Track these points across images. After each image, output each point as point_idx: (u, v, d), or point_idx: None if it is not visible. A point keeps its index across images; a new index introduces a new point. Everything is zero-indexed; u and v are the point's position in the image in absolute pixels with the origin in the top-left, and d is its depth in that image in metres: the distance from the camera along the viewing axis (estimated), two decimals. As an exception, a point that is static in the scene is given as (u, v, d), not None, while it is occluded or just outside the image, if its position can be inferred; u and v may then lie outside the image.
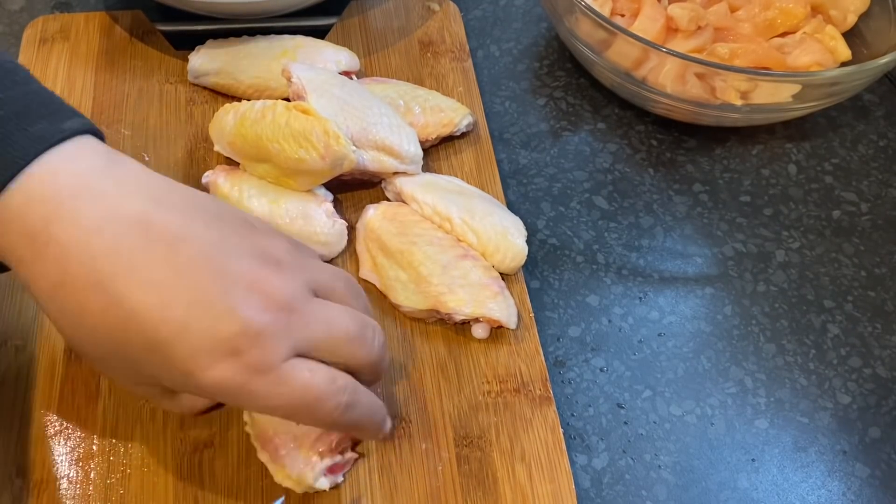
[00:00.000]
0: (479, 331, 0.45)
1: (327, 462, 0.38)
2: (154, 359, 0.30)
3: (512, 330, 0.45)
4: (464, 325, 0.46)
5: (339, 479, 0.40)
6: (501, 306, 0.44)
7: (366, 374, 0.35)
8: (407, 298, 0.45)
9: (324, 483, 0.38)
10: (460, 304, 0.44)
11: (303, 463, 0.38)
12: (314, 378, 0.32)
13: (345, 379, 0.33)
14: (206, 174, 0.49)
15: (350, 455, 0.40)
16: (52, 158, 0.31)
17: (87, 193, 0.31)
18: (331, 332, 0.33)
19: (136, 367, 0.32)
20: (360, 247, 0.48)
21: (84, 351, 0.32)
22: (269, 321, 0.31)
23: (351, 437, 0.40)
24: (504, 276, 0.47)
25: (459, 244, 0.47)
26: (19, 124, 0.31)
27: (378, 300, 0.46)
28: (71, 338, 0.32)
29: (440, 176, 0.51)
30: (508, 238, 0.47)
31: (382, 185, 0.51)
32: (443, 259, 0.45)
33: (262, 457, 0.39)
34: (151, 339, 0.30)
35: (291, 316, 0.31)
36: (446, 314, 0.44)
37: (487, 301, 0.44)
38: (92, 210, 0.31)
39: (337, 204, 0.49)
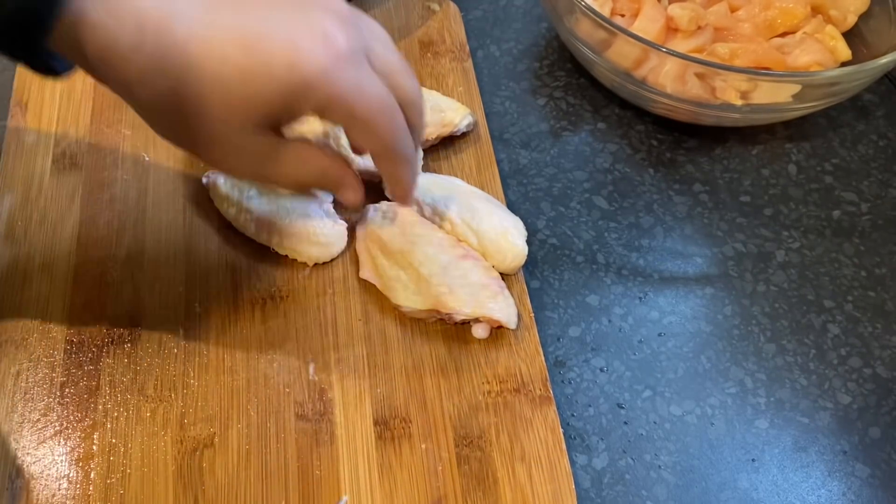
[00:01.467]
0: (479, 331, 0.45)
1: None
2: (265, 77, 0.34)
3: (512, 330, 0.45)
4: (464, 325, 0.46)
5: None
6: (502, 306, 0.44)
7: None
8: (407, 299, 0.45)
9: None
10: (460, 304, 0.44)
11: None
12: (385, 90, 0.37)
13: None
14: (206, 174, 0.49)
15: None
16: None
17: None
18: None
19: (252, 103, 0.34)
20: (360, 247, 0.48)
21: (209, 113, 0.34)
22: (347, 26, 0.36)
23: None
24: (504, 276, 0.47)
25: (460, 244, 0.47)
26: None
27: (378, 300, 0.46)
28: (192, 101, 0.34)
29: (440, 176, 0.51)
30: (509, 238, 0.47)
31: (383, 185, 0.50)
32: (443, 259, 0.45)
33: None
34: (266, 53, 0.34)
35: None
36: (446, 314, 0.44)
37: (487, 301, 0.44)
38: None
39: (337, 204, 0.49)
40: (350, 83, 0.35)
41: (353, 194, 0.41)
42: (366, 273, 0.47)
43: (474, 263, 0.46)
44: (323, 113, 0.36)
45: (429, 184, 0.49)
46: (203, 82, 0.33)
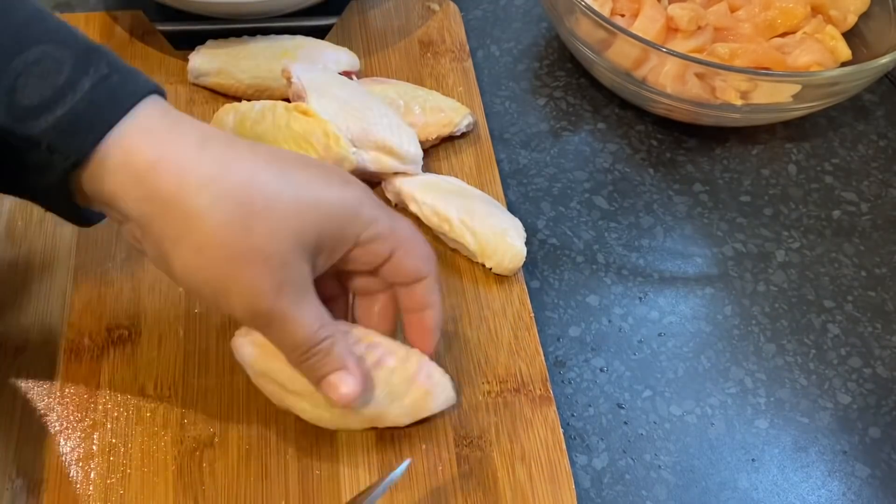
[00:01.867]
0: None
1: None
2: (325, 189, 0.35)
3: (512, 330, 0.45)
4: (463, 323, 0.46)
5: None
6: (439, 398, 0.41)
7: None
8: (344, 423, 0.40)
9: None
10: (399, 419, 0.40)
11: None
12: None
13: None
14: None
15: None
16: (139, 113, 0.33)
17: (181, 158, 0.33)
18: None
19: (312, 214, 0.35)
20: (259, 382, 0.41)
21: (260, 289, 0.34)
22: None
23: None
24: (503, 276, 0.47)
25: (360, 341, 0.39)
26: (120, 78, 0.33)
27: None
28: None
29: (440, 176, 0.51)
30: (507, 240, 0.47)
31: (382, 185, 0.51)
32: None
33: None
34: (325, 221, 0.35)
35: None
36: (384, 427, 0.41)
37: (424, 405, 0.40)
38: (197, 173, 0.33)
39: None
40: (387, 214, 0.38)
41: (343, 388, 0.37)
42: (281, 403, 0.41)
43: (386, 361, 0.39)
44: (366, 243, 0.37)
45: (429, 184, 0.49)
46: (272, 189, 0.34)
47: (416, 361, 0.40)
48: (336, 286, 0.40)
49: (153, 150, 0.32)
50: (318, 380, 0.37)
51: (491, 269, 0.47)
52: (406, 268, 0.38)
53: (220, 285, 0.34)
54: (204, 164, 0.33)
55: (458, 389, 0.42)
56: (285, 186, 0.34)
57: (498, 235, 0.47)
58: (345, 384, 0.36)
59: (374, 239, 0.37)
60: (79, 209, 0.36)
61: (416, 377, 0.40)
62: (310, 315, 0.35)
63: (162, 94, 0.35)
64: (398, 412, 0.40)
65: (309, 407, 0.39)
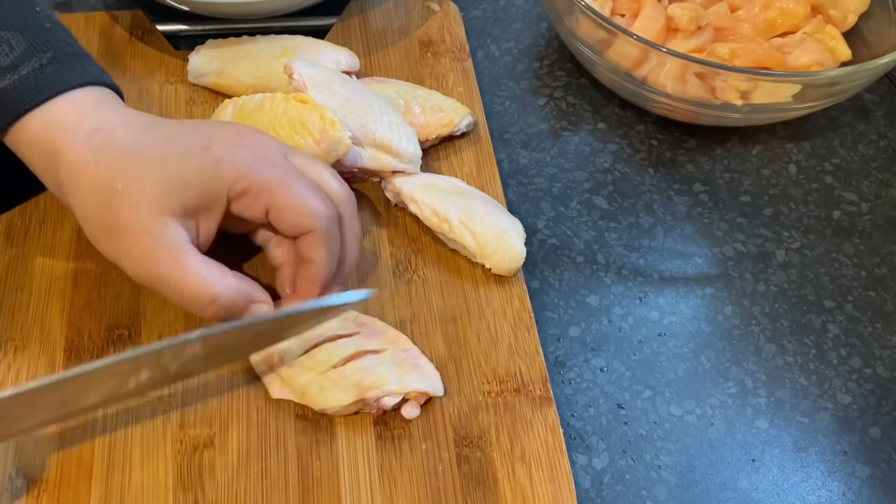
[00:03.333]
0: (410, 411, 0.42)
1: None
2: (184, 159, 0.39)
3: (512, 330, 0.45)
4: (463, 323, 0.46)
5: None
6: (425, 378, 0.42)
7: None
8: (329, 399, 0.41)
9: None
10: (385, 384, 0.41)
11: None
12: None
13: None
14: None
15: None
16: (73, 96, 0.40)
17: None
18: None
19: (171, 183, 0.39)
20: (259, 369, 0.43)
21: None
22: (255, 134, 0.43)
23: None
24: (503, 276, 0.47)
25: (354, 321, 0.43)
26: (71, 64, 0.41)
27: (378, 300, 0.46)
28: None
29: (440, 176, 0.51)
30: (507, 240, 0.47)
31: (382, 184, 0.50)
32: (348, 347, 0.43)
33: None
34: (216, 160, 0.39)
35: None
36: (374, 401, 0.41)
37: (408, 377, 0.42)
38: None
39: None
40: (262, 169, 0.40)
41: (262, 308, 0.41)
42: (276, 392, 0.42)
43: (371, 358, 0.42)
44: (237, 200, 0.40)
45: (428, 184, 0.49)
46: (129, 165, 0.38)
47: (410, 345, 0.43)
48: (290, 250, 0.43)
49: (58, 143, 0.39)
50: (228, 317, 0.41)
51: (491, 269, 0.47)
52: (285, 223, 0.41)
53: (114, 257, 0.40)
54: (85, 150, 0.39)
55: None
56: (141, 161, 0.39)
57: (498, 236, 0.47)
58: (259, 310, 0.41)
59: (242, 194, 0.40)
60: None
61: (407, 359, 0.43)
62: (191, 273, 0.38)
63: (105, 83, 0.42)
64: (385, 374, 0.42)
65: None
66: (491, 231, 0.47)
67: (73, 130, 0.39)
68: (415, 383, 0.42)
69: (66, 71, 0.40)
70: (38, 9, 0.42)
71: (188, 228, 0.39)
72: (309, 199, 0.40)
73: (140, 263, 0.39)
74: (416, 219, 0.49)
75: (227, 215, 0.41)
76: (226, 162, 0.39)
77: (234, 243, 0.45)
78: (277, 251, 0.44)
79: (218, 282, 0.39)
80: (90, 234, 0.40)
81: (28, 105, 0.39)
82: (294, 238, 0.42)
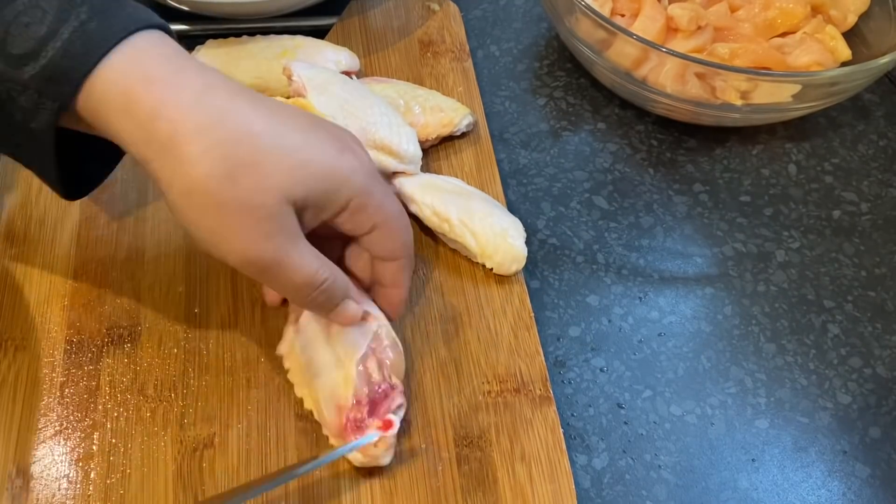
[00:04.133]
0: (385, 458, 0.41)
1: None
2: (319, 153, 0.37)
3: (512, 330, 0.45)
4: (463, 323, 0.46)
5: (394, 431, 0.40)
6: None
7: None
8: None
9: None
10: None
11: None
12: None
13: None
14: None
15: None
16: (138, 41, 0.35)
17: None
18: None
19: (300, 173, 0.36)
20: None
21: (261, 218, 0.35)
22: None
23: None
24: (504, 276, 0.47)
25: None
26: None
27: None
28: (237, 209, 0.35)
29: (440, 176, 0.51)
30: (508, 240, 0.47)
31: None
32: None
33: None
34: (306, 161, 0.36)
35: None
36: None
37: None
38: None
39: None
40: (379, 189, 0.39)
41: (354, 308, 0.41)
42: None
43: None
44: (352, 212, 0.38)
45: (428, 184, 0.49)
46: (261, 142, 0.35)
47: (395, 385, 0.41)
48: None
49: (153, 98, 0.34)
50: (327, 313, 0.40)
51: (492, 269, 0.47)
52: (383, 245, 0.40)
53: (210, 233, 0.35)
54: (201, 113, 0.34)
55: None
56: (275, 143, 0.35)
57: (498, 235, 0.47)
58: (347, 316, 0.40)
59: (360, 209, 0.38)
60: (60, 172, 0.37)
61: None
62: (304, 259, 0.37)
63: (155, 25, 0.36)
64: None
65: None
66: (492, 231, 0.47)
67: (171, 84, 0.34)
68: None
69: (112, 18, 0.35)
70: None
71: (299, 219, 0.37)
72: (409, 228, 0.41)
73: (253, 244, 0.35)
74: (416, 219, 0.49)
75: (328, 220, 0.39)
76: (357, 170, 0.38)
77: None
78: (358, 263, 0.43)
79: (328, 269, 0.38)
80: (186, 205, 0.35)
81: (83, 69, 0.34)
82: (375, 256, 0.42)
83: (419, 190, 0.49)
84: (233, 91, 0.36)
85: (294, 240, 0.37)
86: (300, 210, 0.37)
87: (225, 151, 0.34)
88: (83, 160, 0.41)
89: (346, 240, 0.42)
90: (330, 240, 0.41)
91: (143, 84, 0.34)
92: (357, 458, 0.39)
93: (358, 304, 0.41)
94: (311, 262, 0.37)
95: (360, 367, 0.40)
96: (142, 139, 0.34)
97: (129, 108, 0.34)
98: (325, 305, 0.39)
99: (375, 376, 0.40)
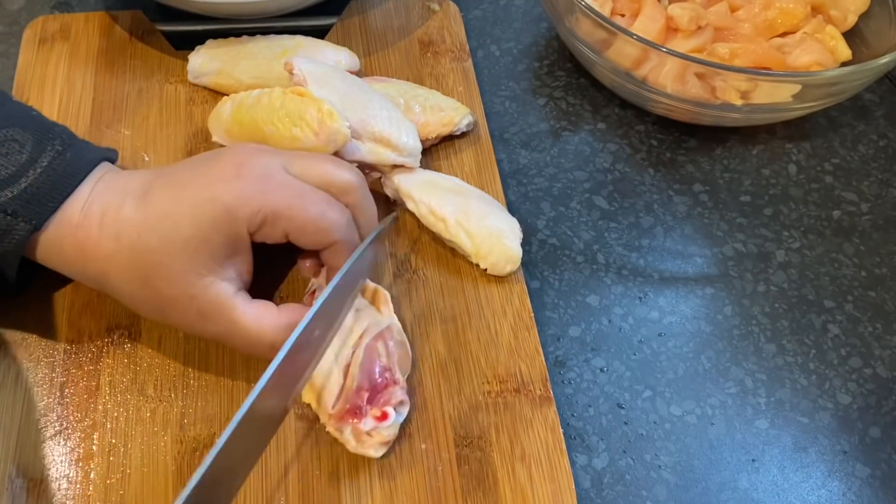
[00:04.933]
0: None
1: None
2: (188, 218, 0.38)
3: (512, 330, 0.45)
4: (463, 323, 0.46)
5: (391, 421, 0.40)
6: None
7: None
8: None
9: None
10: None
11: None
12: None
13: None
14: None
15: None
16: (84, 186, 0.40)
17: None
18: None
19: (193, 243, 0.38)
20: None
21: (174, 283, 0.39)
22: (252, 156, 0.41)
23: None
24: (503, 276, 0.47)
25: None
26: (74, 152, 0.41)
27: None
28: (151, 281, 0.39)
29: (440, 175, 0.51)
30: (503, 241, 0.47)
31: (381, 180, 0.50)
32: None
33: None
34: (214, 213, 0.39)
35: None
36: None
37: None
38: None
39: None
40: (276, 192, 0.40)
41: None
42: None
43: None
44: (256, 231, 0.40)
45: (427, 182, 0.49)
46: (151, 243, 0.38)
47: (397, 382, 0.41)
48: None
49: (75, 238, 0.39)
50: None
51: (486, 270, 0.47)
52: (304, 241, 0.41)
53: (172, 324, 0.41)
54: (103, 243, 0.39)
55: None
56: (165, 238, 0.38)
57: (494, 236, 0.47)
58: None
59: (260, 226, 0.40)
60: (12, 280, 0.41)
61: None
62: (246, 323, 0.39)
63: (111, 159, 0.42)
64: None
65: None
66: (487, 231, 0.47)
67: (81, 224, 0.39)
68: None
69: (82, 150, 0.41)
70: (13, 98, 0.43)
71: (229, 277, 0.39)
72: (323, 214, 0.40)
73: (195, 327, 0.40)
74: (415, 218, 0.49)
75: (254, 244, 0.41)
76: (235, 205, 0.39)
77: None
78: (307, 262, 0.44)
79: (271, 330, 0.39)
80: (140, 312, 0.42)
81: (65, 191, 0.39)
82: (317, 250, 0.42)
83: (417, 188, 0.49)
84: (124, 197, 0.39)
85: (229, 311, 0.39)
86: (224, 267, 0.39)
87: (130, 266, 0.39)
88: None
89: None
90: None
91: (67, 228, 0.39)
92: (350, 443, 0.40)
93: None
94: (254, 328, 0.39)
95: (365, 352, 0.40)
96: (83, 277, 0.41)
97: (72, 250, 0.39)
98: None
99: (380, 364, 0.40)
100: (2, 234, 0.38)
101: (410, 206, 0.49)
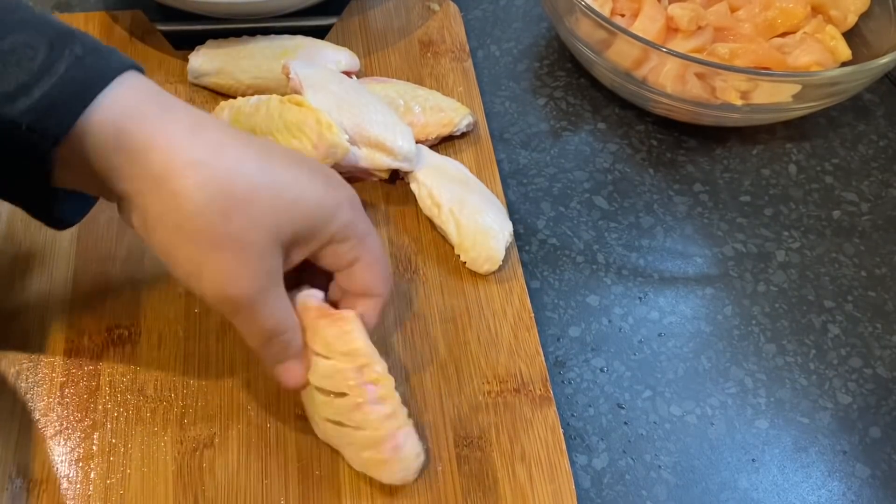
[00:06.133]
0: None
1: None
2: (309, 188, 0.36)
3: (512, 330, 0.45)
4: (463, 323, 0.46)
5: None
6: (393, 474, 0.39)
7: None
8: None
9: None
10: (351, 461, 0.40)
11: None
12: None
13: None
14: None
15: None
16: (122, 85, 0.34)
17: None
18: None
19: (292, 211, 0.36)
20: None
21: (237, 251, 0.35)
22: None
23: None
24: (504, 276, 0.47)
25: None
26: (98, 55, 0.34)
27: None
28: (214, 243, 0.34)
29: (452, 161, 0.51)
30: (488, 239, 0.47)
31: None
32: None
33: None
34: (300, 200, 0.36)
35: None
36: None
37: (374, 467, 0.39)
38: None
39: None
40: (362, 223, 0.38)
41: (296, 374, 0.39)
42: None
43: (369, 408, 0.38)
44: (335, 245, 0.38)
45: (435, 167, 0.49)
46: (257, 179, 0.35)
47: (393, 427, 0.38)
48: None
49: (145, 132, 0.33)
50: (273, 364, 0.39)
51: (466, 264, 0.47)
52: (362, 279, 0.39)
53: (194, 266, 0.35)
54: (195, 149, 0.34)
55: (426, 464, 0.40)
56: (269, 181, 0.35)
57: (480, 233, 0.47)
58: (292, 374, 0.39)
59: (344, 240, 0.38)
60: (52, 206, 0.37)
61: (382, 443, 0.38)
62: (277, 307, 0.37)
63: (140, 70, 0.36)
64: (351, 456, 0.40)
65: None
66: (475, 226, 0.47)
67: (163, 119, 0.34)
68: (377, 477, 0.39)
69: (106, 57, 0.35)
70: (28, 5, 0.36)
71: (285, 259, 0.37)
72: (388, 265, 0.40)
73: (235, 282, 0.35)
74: (416, 219, 0.49)
75: (312, 253, 0.38)
76: (343, 203, 0.37)
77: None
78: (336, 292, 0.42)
79: (293, 322, 0.38)
80: (175, 239, 0.35)
81: (84, 99, 0.33)
82: (352, 293, 0.40)
83: (424, 170, 0.49)
84: (223, 128, 0.36)
85: (274, 284, 0.36)
86: (288, 249, 0.36)
87: (219, 187, 0.34)
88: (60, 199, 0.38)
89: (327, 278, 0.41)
90: (315, 275, 0.41)
91: (136, 119, 0.34)
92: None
93: (304, 372, 0.39)
94: (282, 310, 0.37)
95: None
96: (133, 174, 0.34)
97: (120, 141, 0.33)
98: (278, 357, 0.38)
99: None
100: (21, 154, 0.33)
101: (413, 186, 0.49)
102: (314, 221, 0.36)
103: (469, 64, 0.58)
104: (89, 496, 0.39)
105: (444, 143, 0.54)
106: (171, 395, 0.43)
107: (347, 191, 0.38)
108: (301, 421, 0.42)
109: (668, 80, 0.52)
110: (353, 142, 0.47)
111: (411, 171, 0.49)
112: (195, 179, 0.33)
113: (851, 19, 0.59)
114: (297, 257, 0.38)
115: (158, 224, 0.34)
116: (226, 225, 0.34)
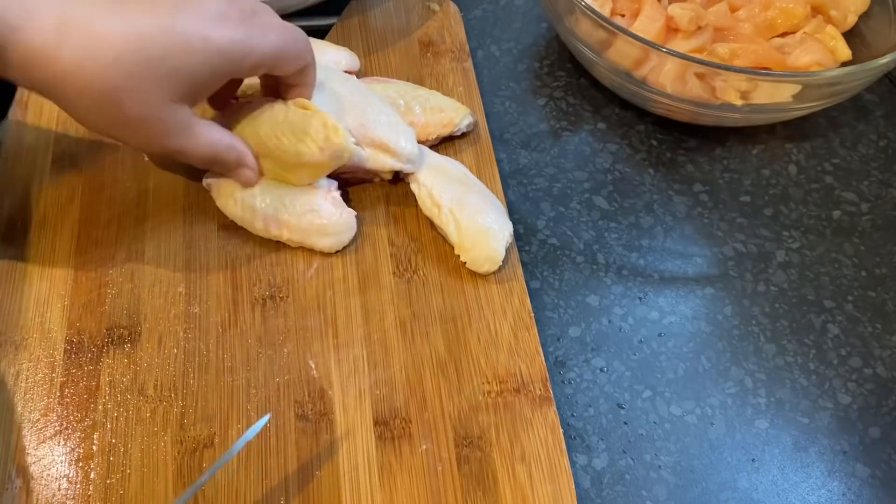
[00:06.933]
0: None
1: None
2: (186, 53, 0.39)
3: (512, 330, 0.45)
4: (463, 323, 0.46)
5: None
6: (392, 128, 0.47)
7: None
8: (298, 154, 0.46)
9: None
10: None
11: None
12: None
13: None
14: (206, 175, 0.49)
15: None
16: None
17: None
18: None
19: (176, 77, 0.39)
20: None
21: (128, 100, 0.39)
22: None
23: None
24: (504, 276, 0.47)
25: None
26: None
27: (378, 301, 0.46)
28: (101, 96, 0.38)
29: (452, 161, 0.51)
30: (488, 240, 0.47)
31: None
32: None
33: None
34: (176, 33, 0.39)
35: None
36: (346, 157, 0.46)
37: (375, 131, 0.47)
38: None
39: (343, 193, 0.49)
40: (270, 38, 0.42)
41: (251, 174, 0.47)
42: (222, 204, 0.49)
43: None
44: (255, 70, 0.42)
45: (435, 167, 0.49)
46: (131, 66, 0.38)
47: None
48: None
49: (14, 45, 0.36)
50: (234, 169, 0.46)
51: (466, 264, 0.47)
52: (281, 73, 0.44)
53: (119, 138, 0.42)
54: (64, 54, 0.36)
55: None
56: (150, 62, 0.38)
57: (481, 232, 0.47)
58: (246, 177, 0.47)
59: (254, 70, 0.42)
60: None
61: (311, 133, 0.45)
62: (203, 136, 0.43)
63: None
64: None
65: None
66: (476, 227, 0.47)
67: (24, 27, 0.36)
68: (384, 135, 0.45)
69: None
70: None
71: (196, 102, 0.42)
72: (308, 45, 0.44)
73: (154, 141, 0.41)
74: (416, 219, 0.49)
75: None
76: (232, 52, 0.40)
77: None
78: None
79: (226, 137, 0.44)
80: (89, 126, 0.41)
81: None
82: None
83: (424, 171, 0.49)
84: (92, 12, 0.38)
85: (190, 128, 0.42)
86: (195, 92, 0.41)
87: (101, 85, 0.37)
88: None
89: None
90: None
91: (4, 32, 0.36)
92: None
93: (253, 172, 0.47)
94: (207, 136, 0.43)
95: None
96: (29, 85, 0.38)
97: (20, 59, 0.36)
98: (229, 167, 0.46)
99: None
100: None
101: (413, 187, 0.49)
102: (206, 79, 0.41)
103: (469, 64, 0.58)
104: (89, 496, 0.39)
105: (444, 143, 0.54)
106: (171, 395, 0.43)
107: (229, 32, 0.40)
108: (301, 421, 0.42)
109: (668, 80, 0.52)
110: (356, 143, 0.47)
111: (411, 176, 0.49)
112: (74, 87, 0.37)
113: (851, 19, 0.59)
114: (209, 93, 0.43)
115: (73, 113, 0.40)
116: (120, 111, 0.39)
